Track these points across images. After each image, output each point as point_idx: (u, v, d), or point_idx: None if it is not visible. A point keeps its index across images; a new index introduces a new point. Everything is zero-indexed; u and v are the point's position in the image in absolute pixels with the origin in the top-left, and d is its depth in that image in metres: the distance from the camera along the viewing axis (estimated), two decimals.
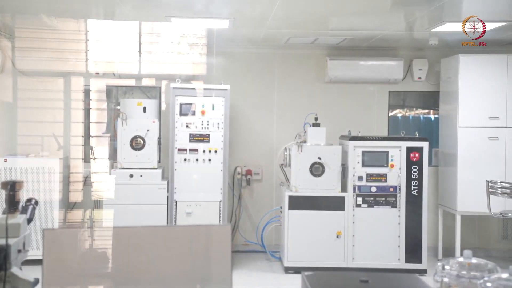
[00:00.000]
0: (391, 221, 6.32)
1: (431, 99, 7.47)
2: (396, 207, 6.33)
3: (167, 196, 6.36)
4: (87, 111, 7.04)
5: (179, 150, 6.41)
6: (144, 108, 6.52)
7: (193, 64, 6.95)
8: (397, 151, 6.37)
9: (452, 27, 5.70)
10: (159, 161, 6.59)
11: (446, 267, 2.31)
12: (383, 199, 6.34)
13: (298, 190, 6.33)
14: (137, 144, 6.41)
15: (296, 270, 6.14)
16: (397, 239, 6.31)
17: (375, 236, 6.31)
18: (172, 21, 5.72)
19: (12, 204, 2.64)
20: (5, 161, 6.24)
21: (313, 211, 6.29)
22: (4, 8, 5.69)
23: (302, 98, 7.27)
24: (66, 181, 6.77)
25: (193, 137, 6.42)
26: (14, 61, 6.76)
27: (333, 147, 6.44)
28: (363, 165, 6.36)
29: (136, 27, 6.35)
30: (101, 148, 6.82)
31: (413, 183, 6.32)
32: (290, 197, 6.30)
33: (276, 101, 7.32)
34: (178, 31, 6.60)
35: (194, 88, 6.55)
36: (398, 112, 7.63)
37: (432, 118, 7.65)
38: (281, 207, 6.60)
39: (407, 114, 7.71)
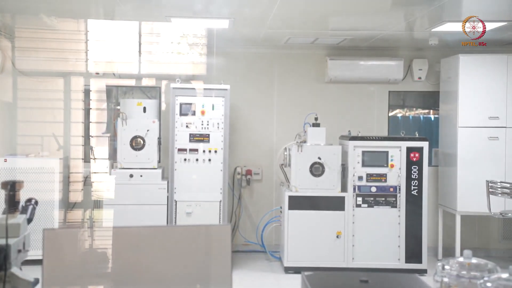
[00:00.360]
0: (391, 221, 6.32)
1: (431, 99, 7.47)
2: (396, 207, 6.33)
3: (167, 196, 6.36)
4: (87, 111, 7.04)
5: (179, 150, 6.41)
6: (144, 108, 6.52)
7: (193, 64, 6.95)
8: (397, 151, 6.37)
9: (452, 27, 5.70)
10: (159, 161, 6.60)
11: (446, 267, 2.31)
12: (383, 199, 6.34)
13: (298, 190, 6.33)
14: (137, 144, 6.41)
15: (296, 270, 6.14)
16: (397, 239, 6.31)
17: (375, 236, 6.31)
18: (172, 21, 5.72)
19: (12, 204, 2.64)
20: (5, 161, 6.24)
21: (313, 211, 6.29)
22: (4, 8, 5.69)
23: (302, 98, 7.27)
24: (66, 181, 6.77)
25: (193, 137, 6.42)
26: (14, 61, 6.76)
27: (333, 147, 6.44)
28: (363, 165, 6.36)
29: (136, 27, 6.35)
30: (101, 148, 6.82)
31: (413, 183, 6.32)
32: (290, 197, 6.30)
33: (276, 101, 7.32)
34: (178, 31, 6.60)
35: (194, 88, 6.55)
36: (398, 112, 7.63)
37: (432, 118, 7.65)
38: (281, 207, 6.60)
39: (407, 114, 7.71)
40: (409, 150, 6.35)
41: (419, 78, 7.23)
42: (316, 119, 6.56)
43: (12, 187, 2.64)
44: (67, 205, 6.81)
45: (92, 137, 6.97)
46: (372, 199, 6.34)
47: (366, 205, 6.33)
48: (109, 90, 7.12)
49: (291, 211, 6.30)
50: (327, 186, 6.33)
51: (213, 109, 6.44)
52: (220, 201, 6.41)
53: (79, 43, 6.51)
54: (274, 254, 6.88)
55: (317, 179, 6.33)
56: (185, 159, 6.40)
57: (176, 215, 6.35)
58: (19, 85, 6.85)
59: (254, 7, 5.22)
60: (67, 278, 2.42)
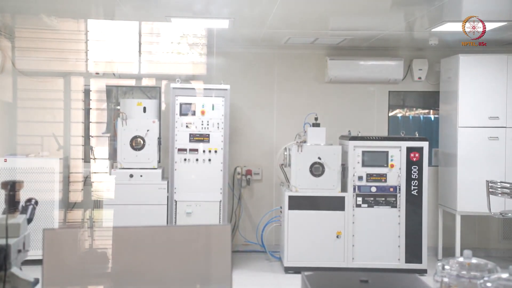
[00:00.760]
0: (391, 221, 6.32)
1: (431, 99, 7.47)
2: (396, 207, 6.33)
3: (167, 196, 6.36)
4: (87, 111, 7.04)
5: (179, 150, 6.41)
6: (144, 108, 6.52)
7: (193, 64, 6.95)
8: (397, 151, 6.37)
9: (452, 27, 5.70)
10: (159, 161, 6.60)
11: (446, 267, 2.31)
12: (383, 199, 6.34)
13: (298, 190, 6.33)
14: (137, 144, 6.41)
15: (296, 270, 6.14)
16: (397, 239, 6.31)
17: (375, 236, 6.31)
18: (172, 21, 5.72)
19: (12, 204, 2.64)
20: (5, 161, 6.24)
21: (313, 211, 6.30)
22: (4, 8, 5.69)
23: (302, 98, 7.27)
24: (66, 181, 6.77)
25: (193, 137, 6.42)
26: (14, 61, 6.76)
27: (333, 147, 6.44)
28: (363, 165, 6.36)
29: (136, 27, 6.35)
30: (101, 148, 6.82)
31: (413, 183, 6.32)
32: (290, 197, 6.30)
33: (276, 101, 7.32)
34: (178, 31, 6.60)
35: (194, 88, 6.56)
36: (398, 112, 7.63)
37: (432, 118, 7.65)
38: (281, 207, 6.60)
39: (407, 114, 7.71)
40: (409, 150, 6.35)
41: (419, 78, 7.23)
42: (316, 119, 6.56)
43: (12, 187, 2.63)
44: (67, 205, 6.81)
45: (92, 137, 6.97)
46: (372, 199, 6.34)
47: (366, 205, 6.33)
48: (109, 90, 7.12)
49: (291, 211, 6.30)
50: (327, 186, 6.33)
51: (213, 109, 6.44)
52: (220, 201, 6.41)
53: (79, 43, 6.51)
54: (274, 254, 6.88)
55: (317, 179, 6.33)
56: (185, 159, 6.40)
57: (176, 215, 6.35)
58: (19, 85, 6.85)
59: (254, 7, 5.22)
60: (67, 278, 2.42)
